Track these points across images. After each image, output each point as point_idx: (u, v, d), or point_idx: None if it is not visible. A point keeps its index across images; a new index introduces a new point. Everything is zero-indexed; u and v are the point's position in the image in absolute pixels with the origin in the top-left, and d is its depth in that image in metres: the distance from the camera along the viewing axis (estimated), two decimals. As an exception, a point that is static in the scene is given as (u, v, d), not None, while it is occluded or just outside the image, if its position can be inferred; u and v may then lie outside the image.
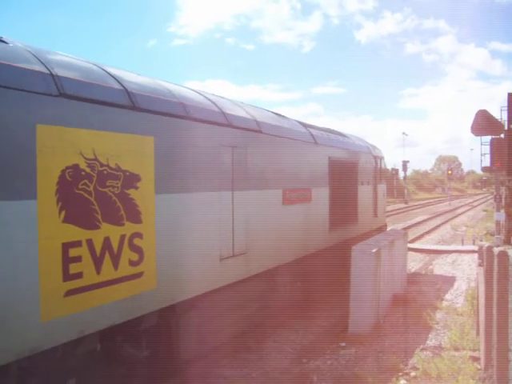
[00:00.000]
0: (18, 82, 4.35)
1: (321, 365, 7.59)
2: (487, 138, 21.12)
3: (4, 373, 4.02)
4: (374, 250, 9.22)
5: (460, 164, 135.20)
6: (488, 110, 20.50)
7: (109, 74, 5.73)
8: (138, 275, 5.42)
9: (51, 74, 4.75)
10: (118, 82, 5.68)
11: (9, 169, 4.15)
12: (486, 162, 21.53)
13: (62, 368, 4.64)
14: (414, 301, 10.97)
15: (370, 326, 8.89)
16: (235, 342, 7.50)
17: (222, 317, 7.14)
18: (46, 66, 4.79)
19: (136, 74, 6.55)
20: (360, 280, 9.00)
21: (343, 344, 8.41)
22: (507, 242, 19.03)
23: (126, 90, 5.65)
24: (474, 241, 20.32)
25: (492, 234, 21.78)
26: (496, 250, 5.75)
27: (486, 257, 6.71)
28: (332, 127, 14.07)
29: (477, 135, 21.34)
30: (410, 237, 20.54)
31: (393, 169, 53.53)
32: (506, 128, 19.18)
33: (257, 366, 7.56)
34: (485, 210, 41.31)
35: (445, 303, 11.06)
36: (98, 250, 4.90)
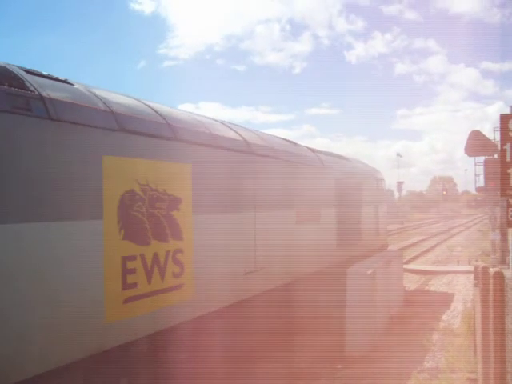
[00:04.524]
0: (88, 120, 5.14)
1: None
2: (481, 159, 21.55)
3: (76, 367, 4.71)
4: (369, 272, 9.26)
5: (455, 184, 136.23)
6: (481, 130, 20.79)
7: (152, 109, 6.53)
8: (180, 286, 6.18)
9: (111, 112, 5.55)
10: (162, 116, 6.48)
11: (86, 194, 4.93)
12: (481, 183, 22.00)
13: (117, 367, 5.33)
14: (410, 322, 10.98)
15: (366, 348, 8.84)
16: (230, 365, 7.01)
17: (242, 328, 7.80)
18: (106, 105, 5.58)
19: (170, 107, 7.35)
20: (355, 302, 9.00)
21: (339, 366, 8.32)
22: (502, 262, 19.59)
23: (168, 124, 6.45)
24: (469, 261, 20.73)
25: (487, 255, 22.24)
26: (492, 270, 5.76)
27: (481, 277, 6.41)
28: (327, 149, 14.86)
29: (470, 156, 21.91)
30: (406, 258, 20.85)
31: (388, 190, 54.50)
32: (499, 148, 19.78)
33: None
34: (479, 231, 41.96)
35: (441, 324, 11.10)
36: (148, 263, 5.66)
